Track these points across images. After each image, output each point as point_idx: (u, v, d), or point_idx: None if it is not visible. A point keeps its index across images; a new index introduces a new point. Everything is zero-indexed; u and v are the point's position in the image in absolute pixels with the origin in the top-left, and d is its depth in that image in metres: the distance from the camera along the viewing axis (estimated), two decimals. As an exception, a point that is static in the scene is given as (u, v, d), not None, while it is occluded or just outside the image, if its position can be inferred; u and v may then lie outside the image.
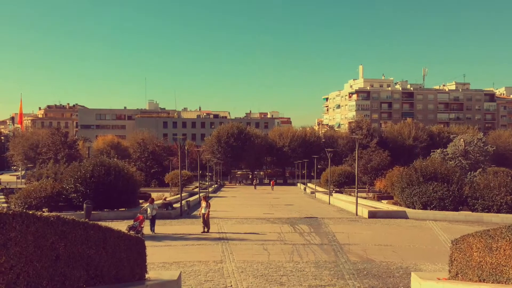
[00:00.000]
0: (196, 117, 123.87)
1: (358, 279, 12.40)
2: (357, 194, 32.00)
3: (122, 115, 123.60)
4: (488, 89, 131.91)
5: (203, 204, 21.09)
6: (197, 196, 43.39)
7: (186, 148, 58.35)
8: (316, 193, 53.00)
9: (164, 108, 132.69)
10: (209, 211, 20.96)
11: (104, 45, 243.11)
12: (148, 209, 21.19)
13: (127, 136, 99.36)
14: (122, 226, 19.40)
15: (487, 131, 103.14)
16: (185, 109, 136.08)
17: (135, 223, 19.39)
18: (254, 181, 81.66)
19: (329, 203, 40.60)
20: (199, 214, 21.55)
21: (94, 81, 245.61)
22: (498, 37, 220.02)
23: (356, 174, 35.32)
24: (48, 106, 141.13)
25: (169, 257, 15.36)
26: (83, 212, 24.24)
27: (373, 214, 27.65)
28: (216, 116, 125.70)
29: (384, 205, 32.96)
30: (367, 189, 51.85)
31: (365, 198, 40.08)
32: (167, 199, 33.12)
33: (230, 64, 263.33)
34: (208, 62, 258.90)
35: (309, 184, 67.58)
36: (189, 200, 35.68)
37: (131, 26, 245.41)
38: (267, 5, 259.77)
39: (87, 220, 6.97)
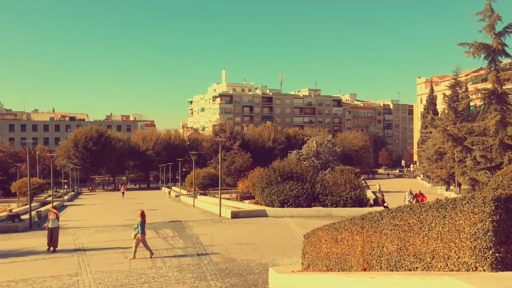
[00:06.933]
0: (49, 120, 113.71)
1: (220, 279, 12.65)
2: (220, 195, 32.67)
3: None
4: (336, 95, 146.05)
5: (51, 216, 18.34)
6: (50, 205, 39.82)
7: (37, 153, 53.16)
8: (181, 197, 52.74)
9: (10, 110, 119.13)
10: (59, 225, 18.50)
11: None
12: None
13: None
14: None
15: (335, 133, 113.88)
16: (36, 111, 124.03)
17: None
18: (122, 187, 69.46)
19: (194, 206, 40.74)
20: (46, 228, 18.79)
21: None
22: (344, 47, 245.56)
23: (220, 176, 36.03)
24: None
25: (15, 274, 13.82)
26: None
27: (235, 214, 28.51)
28: (72, 118, 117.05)
29: (246, 205, 34.22)
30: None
31: (228, 199, 41.12)
32: (13, 211, 29.90)
33: (87, 62, 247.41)
34: (63, 60, 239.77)
35: (173, 188, 66.90)
36: (40, 211, 32.61)
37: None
38: (136, 4, 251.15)
39: None
